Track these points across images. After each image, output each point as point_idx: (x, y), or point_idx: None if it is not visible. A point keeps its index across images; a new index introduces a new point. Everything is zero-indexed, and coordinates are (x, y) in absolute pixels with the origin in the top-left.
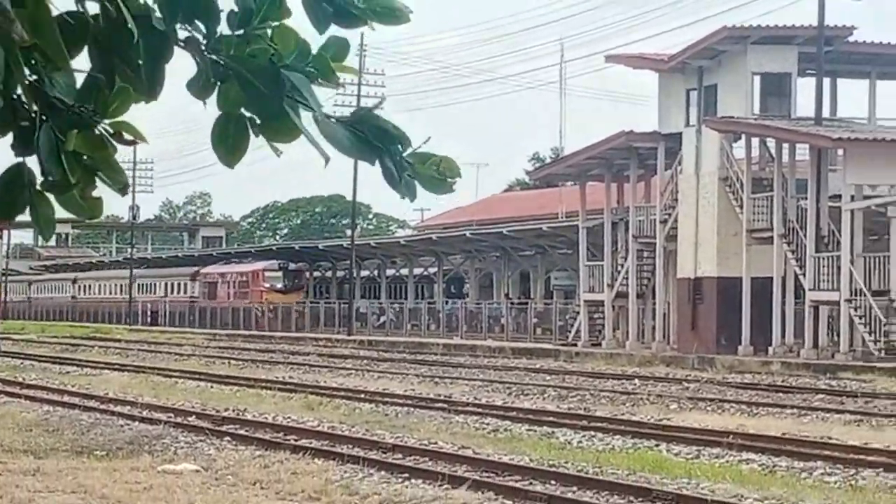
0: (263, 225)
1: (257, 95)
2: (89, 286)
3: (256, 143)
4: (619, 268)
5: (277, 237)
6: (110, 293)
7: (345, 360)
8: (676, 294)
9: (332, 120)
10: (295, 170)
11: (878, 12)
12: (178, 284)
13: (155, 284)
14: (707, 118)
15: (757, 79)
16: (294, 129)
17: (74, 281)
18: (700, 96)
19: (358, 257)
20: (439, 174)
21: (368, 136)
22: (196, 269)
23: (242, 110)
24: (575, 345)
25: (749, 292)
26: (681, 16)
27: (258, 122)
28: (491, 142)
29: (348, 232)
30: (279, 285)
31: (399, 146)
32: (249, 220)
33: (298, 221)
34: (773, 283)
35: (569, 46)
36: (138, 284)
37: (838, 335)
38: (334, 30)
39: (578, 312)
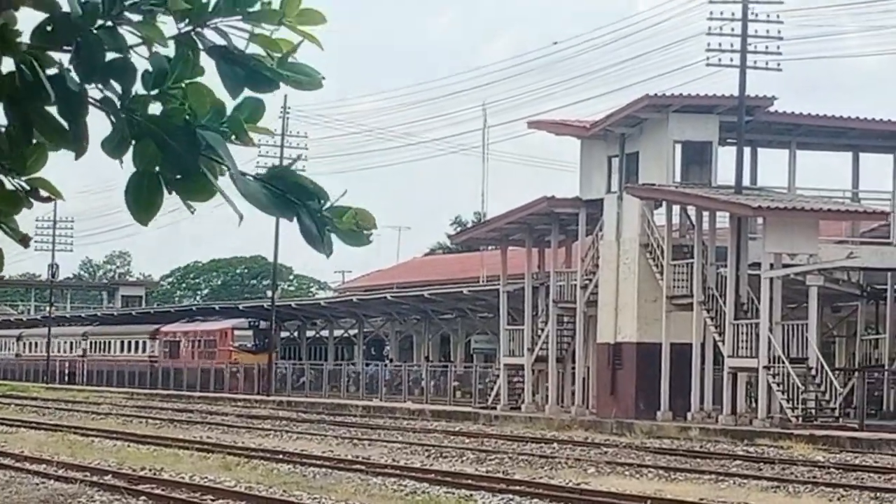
0: (184, 285)
1: (173, 154)
2: (36, 343)
3: (176, 204)
4: (540, 332)
5: (198, 297)
6: (58, 350)
7: (263, 421)
8: (596, 359)
9: (249, 178)
10: (216, 231)
11: (798, 83)
12: (136, 343)
13: (110, 343)
14: (628, 185)
15: (678, 147)
16: (209, 188)
17: (19, 338)
18: (622, 163)
19: (278, 318)
20: (358, 227)
21: (286, 193)
22: (156, 326)
23: (157, 168)
24: (494, 408)
25: (668, 358)
26: (603, 83)
27: (173, 179)
28: (413, 205)
29: (269, 293)
30: (249, 345)
31: (317, 201)
32: (170, 279)
33: (219, 282)
34: (692, 349)
35: (491, 112)
36: (90, 342)
37: (756, 402)
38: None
39: (498, 376)
